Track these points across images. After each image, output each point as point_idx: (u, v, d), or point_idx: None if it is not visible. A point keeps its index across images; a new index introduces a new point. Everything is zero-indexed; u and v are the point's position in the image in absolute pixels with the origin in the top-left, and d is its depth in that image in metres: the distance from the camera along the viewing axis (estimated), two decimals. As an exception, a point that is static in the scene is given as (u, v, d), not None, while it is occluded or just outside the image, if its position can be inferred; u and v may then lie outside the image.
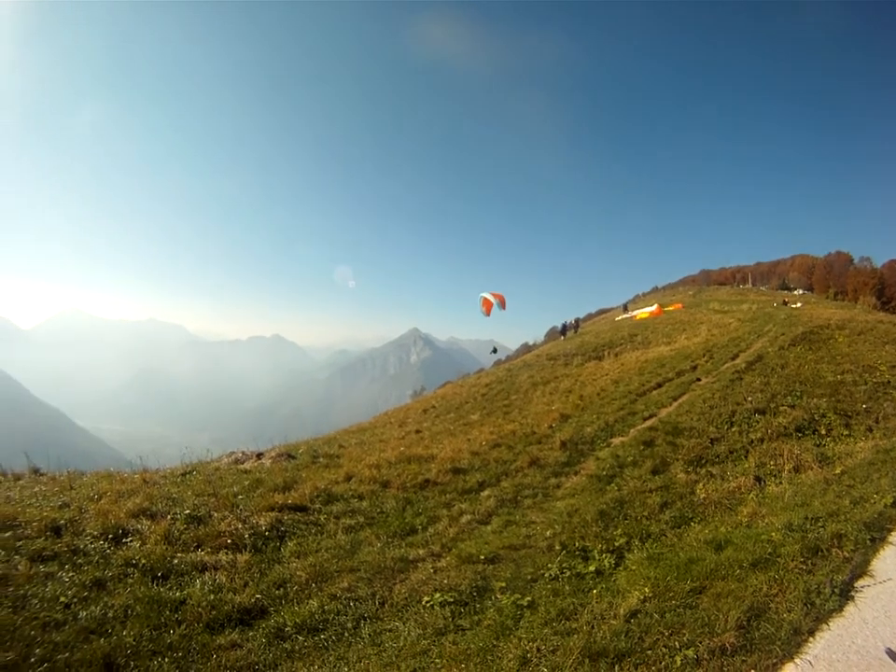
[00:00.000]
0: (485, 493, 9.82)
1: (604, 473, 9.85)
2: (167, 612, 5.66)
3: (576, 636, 4.53)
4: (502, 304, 18.39)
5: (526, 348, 58.49)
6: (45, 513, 7.73)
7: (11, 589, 5.74)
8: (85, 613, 5.45)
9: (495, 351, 20.55)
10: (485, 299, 18.49)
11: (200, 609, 5.74)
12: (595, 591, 5.57)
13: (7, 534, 7.03)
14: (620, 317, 47.48)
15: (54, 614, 5.37)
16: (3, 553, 6.50)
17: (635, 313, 45.18)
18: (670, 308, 42.60)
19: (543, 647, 4.50)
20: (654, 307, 42.07)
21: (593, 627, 4.64)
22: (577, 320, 51.50)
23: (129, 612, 5.59)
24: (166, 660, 4.86)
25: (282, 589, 6.47)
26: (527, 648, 4.54)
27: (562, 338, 44.06)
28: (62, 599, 5.65)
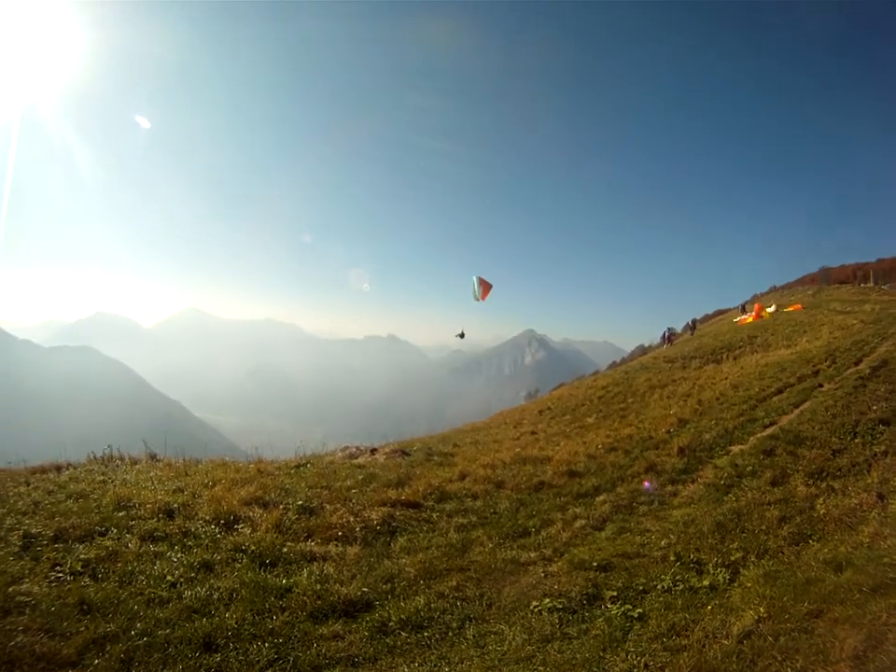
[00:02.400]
0: (600, 498, 9.98)
1: (722, 483, 9.90)
2: (272, 598, 5.94)
3: (686, 653, 4.58)
4: (484, 292, 18.59)
5: (642, 350, 57.74)
6: (159, 496, 8.53)
7: (120, 565, 6.33)
8: (190, 593, 5.86)
9: (462, 335, 21.08)
10: (484, 283, 18.62)
11: (305, 598, 5.97)
12: (708, 607, 5.56)
13: (120, 514, 7.81)
14: (737, 319, 46.42)
15: (159, 591, 5.82)
16: (115, 531, 7.22)
17: (737, 319, 45.27)
18: (789, 309, 42.49)
19: (651, 663, 4.59)
20: (751, 313, 42.94)
21: (704, 646, 4.66)
22: (694, 321, 51.21)
23: (234, 595, 5.93)
24: (266, 644, 5.07)
25: (389, 584, 6.64)
26: (635, 663, 4.64)
27: (665, 346, 43.36)
28: (168, 578, 6.11)
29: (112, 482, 9.55)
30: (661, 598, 6.03)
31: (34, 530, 6.95)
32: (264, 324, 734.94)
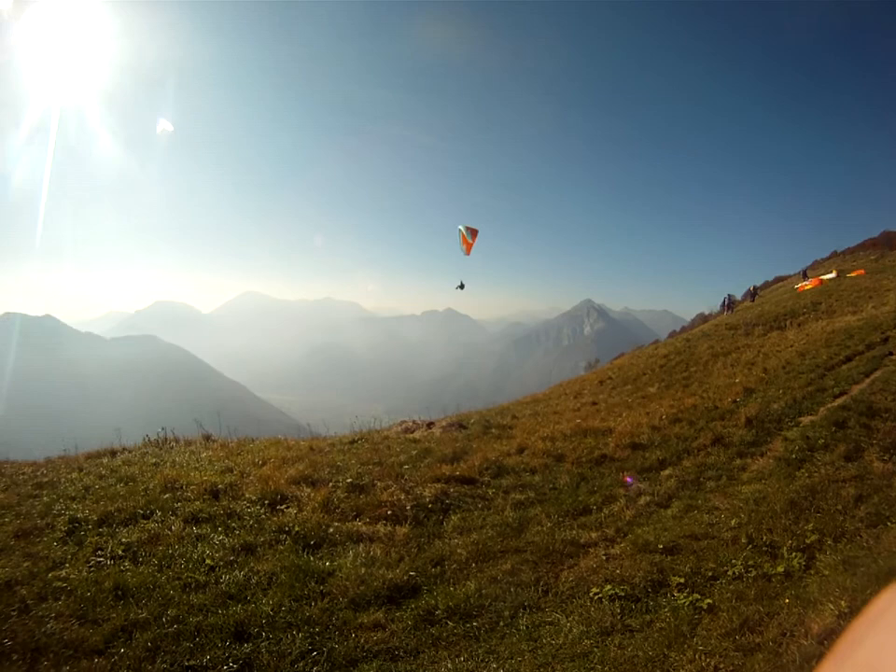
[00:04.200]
0: (666, 472, 9.71)
1: (793, 457, 9.45)
2: (312, 583, 5.84)
3: (760, 654, 4.25)
4: (473, 238, 17.91)
5: (702, 318, 56.71)
6: (206, 477, 8.61)
7: (161, 548, 6.36)
8: (228, 577, 5.82)
9: (462, 286, 20.44)
10: (469, 231, 17.70)
11: (347, 583, 5.84)
12: (783, 598, 5.14)
13: (166, 496, 7.91)
14: (798, 285, 44.68)
15: (197, 576, 5.80)
16: (160, 513, 7.30)
17: (798, 285, 44.25)
18: (852, 275, 41.11)
19: (722, 666, 4.26)
20: (810, 280, 42.17)
21: (780, 646, 4.30)
22: (754, 288, 50.51)
23: (273, 580, 5.86)
24: (300, 634, 4.94)
25: (439, 567, 6.44)
26: (703, 664, 4.31)
27: (726, 313, 42.29)
28: (207, 562, 6.10)
29: (163, 464, 9.76)
30: (732, 586, 5.63)
31: (80, 515, 7.13)
32: (324, 303, 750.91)
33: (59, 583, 5.50)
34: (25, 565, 5.89)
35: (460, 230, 17.88)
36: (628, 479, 9.00)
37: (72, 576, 5.68)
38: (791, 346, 20.87)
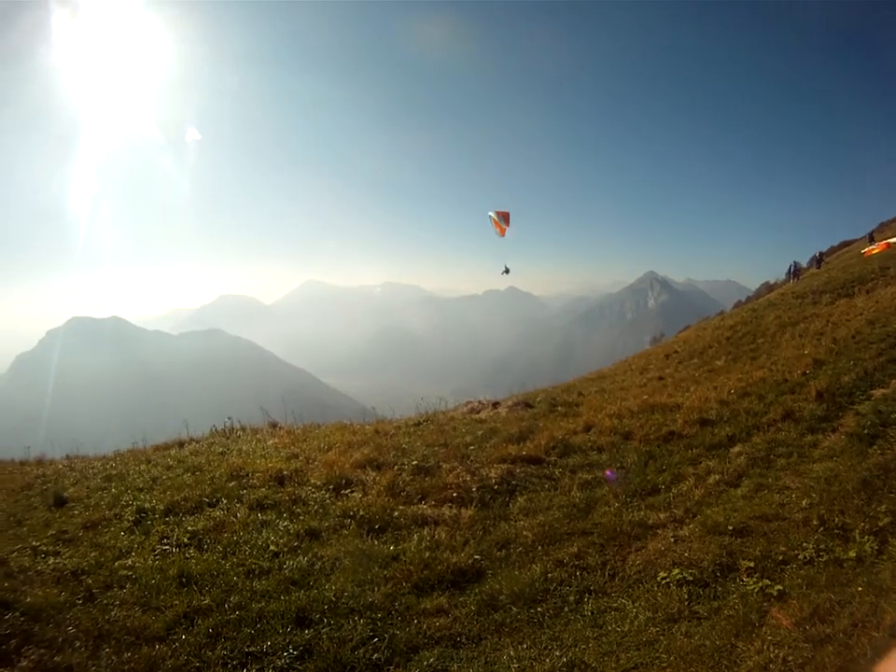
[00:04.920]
0: (735, 449, 9.39)
1: (865, 432, 8.98)
2: (376, 568, 5.84)
3: (830, 646, 3.99)
4: (505, 222, 17.25)
5: (768, 287, 54.56)
6: (271, 464, 8.79)
7: (226, 535, 6.51)
8: (291, 563, 5.88)
9: (507, 271, 20.12)
10: (501, 216, 17.17)
11: (411, 567, 5.81)
12: (855, 586, 4.87)
13: (231, 483, 8.12)
14: (864, 250, 41.79)
15: (261, 562, 5.89)
16: (226, 501, 7.48)
17: (865, 250, 40.39)
18: None
19: (791, 657, 4.02)
20: (877, 244, 38.56)
21: (850, 637, 4.02)
22: (821, 254, 48.34)
23: (336, 565, 5.90)
24: (362, 620, 4.92)
25: (504, 550, 6.35)
26: (772, 656, 4.07)
27: (792, 281, 41.22)
28: (271, 548, 6.20)
29: (230, 452, 10.03)
30: (802, 572, 5.39)
31: (147, 505, 7.42)
32: (384, 287, 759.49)
33: (124, 572, 5.69)
34: (92, 554, 6.15)
35: (490, 216, 17.84)
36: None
37: (137, 564, 5.88)
38: (861, 314, 20.14)
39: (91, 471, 9.72)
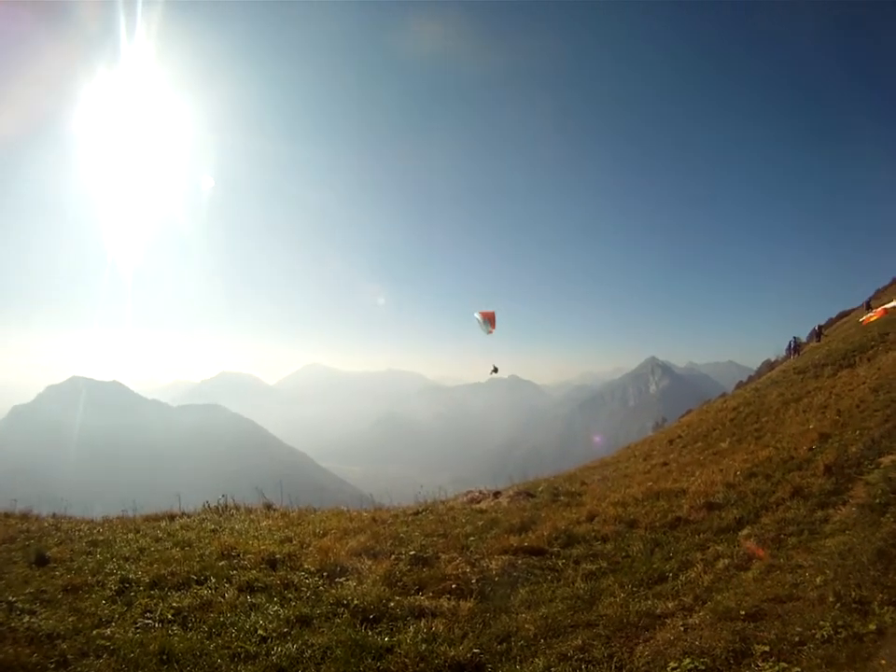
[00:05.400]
0: (744, 531, 9.37)
1: (876, 502, 9.10)
2: (369, 659, 5.58)
3: None
4: (491, 322, 18.30)
5: (769, 365, 55.64)
6: (264, 546, 8.63)
7: (213, 615, 6.28)
8: (280, 649, 5.62)
9: (495, 370, 20.81)
10: (485, 315, 17.89)
11: (406, 660, 5.55)
12: (878, 659, 4.82)
13: (222, 563, 7.93)
14: (863, 318, 42.81)
15: (248, 646, 5.64)
16: (214, 580, 7.28)
17: (863, 318, 41.62)
18: None
19: None
20: (874, 311, 39.21)
21: None
22: (819, 327, 50.22)
23: (327, 654, 5.63)
24: (353, 713, 4.64)
25: (505, 643, 6.08)
26: None
27: (792, 357, 42.27)
28: (259, 632, 5.94)
29: (222, 530, 9.86)
30: (821, 651, 5.20)
31: (132, 575, 7.23)
32: (386, 374, 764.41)
33: (102, 641, 5.49)
34: (70, 619, 5.96)
35: (476, 318, 18.38)
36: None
37: (117, 635, 5.67)
38: (864, 383, 20.44)
39: (76, 533, 9.59)
